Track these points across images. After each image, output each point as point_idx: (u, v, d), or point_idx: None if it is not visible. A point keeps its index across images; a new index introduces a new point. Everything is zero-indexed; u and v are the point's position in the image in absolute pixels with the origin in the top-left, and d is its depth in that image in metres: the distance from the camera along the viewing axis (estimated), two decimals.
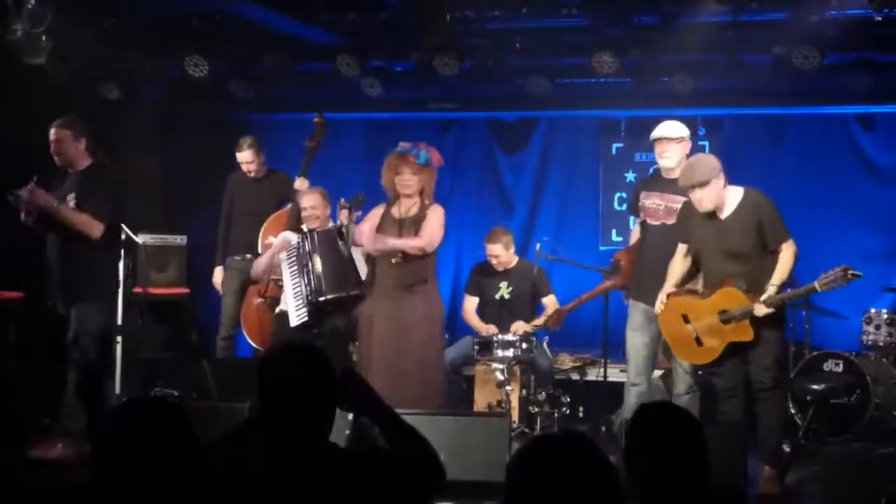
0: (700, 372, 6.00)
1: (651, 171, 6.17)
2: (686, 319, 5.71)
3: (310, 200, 6.85)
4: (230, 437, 2.85)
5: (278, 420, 2.69)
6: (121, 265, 7.44)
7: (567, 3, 7.49)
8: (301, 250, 6.64)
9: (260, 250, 7.36)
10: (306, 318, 6.54)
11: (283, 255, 6.79)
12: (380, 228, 6.27)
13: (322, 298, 6.44)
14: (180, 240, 8.11)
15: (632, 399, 6.05)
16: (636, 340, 6.11)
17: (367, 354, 6.23)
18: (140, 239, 7.84)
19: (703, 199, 5.52)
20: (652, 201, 6.08)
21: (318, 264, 6.54)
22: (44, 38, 7.09)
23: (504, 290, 7.49)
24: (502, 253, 7.43)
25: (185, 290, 8.16)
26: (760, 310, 5.40)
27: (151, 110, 8.78)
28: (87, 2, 7.47)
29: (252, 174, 7.71)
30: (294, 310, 6.58)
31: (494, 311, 7.50)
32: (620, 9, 7.40)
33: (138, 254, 7.90)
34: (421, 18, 7.67)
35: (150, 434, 2.43)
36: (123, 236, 7.57)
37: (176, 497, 2.42)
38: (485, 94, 8.90)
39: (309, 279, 6.53)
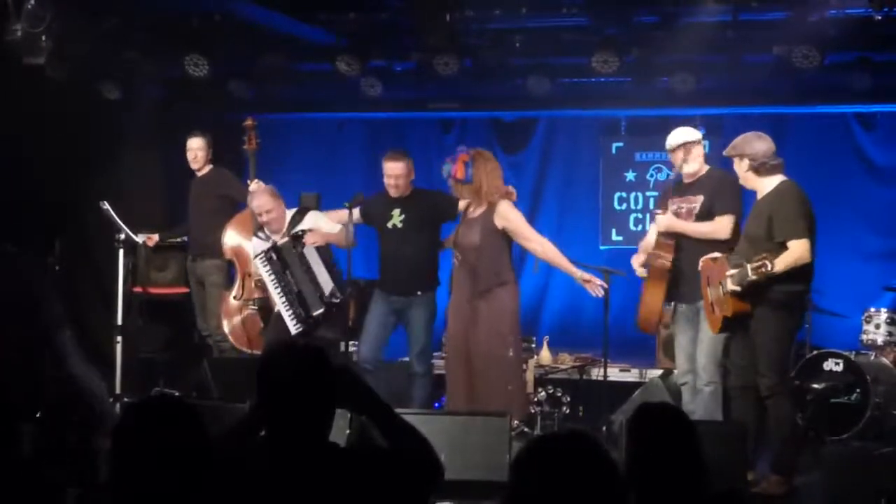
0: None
1: (677, 175, 6.20)
2: (708, 282, 5.76)
3: (257, 200, 6.69)
4: (228, 435, 2.84)
5: (278, 420, 2.69)
6: (120, 264, 7.49)
7: (567, 3, 7.49)
8: (275, 267, 6.59)
9: (227, 254, 7.45)
10: (303, 328, 6.56)
11: (262, 269, 6.67)
12: (459, 228, 6.37)
13: (314, 314, 6.50)
14: (180, 239, 8.10)
15: (686, 398, 6.04)
16: (678, 339, 6.16)
17: (448, 355, 6.40)
18: (140, 239, 7.84)
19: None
20: (677, 206, 6.11)
21: (292, 283, 6.54)
22: (43, 38, 7.07)
23: (396, 219, 6.74)
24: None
25: (184, 290, 8.15)
26: (728, 284, 5.41)
27: (151, 110, 8.77)
28: (87, 2, 7.47)
29: (196, 165, 7.75)
30: (290, 321, 6.58)
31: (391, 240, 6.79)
32: (621, 8, 7.40)
33: (138, 253, 7.91)
34: (421, 18, 7.65)
35: (169, 433, 2.43)
36: (123, 236, 7.62)
37: (183, 497, 2.41)
38: (485, 93, 8.90)
39: (292, 299, 6.54)
